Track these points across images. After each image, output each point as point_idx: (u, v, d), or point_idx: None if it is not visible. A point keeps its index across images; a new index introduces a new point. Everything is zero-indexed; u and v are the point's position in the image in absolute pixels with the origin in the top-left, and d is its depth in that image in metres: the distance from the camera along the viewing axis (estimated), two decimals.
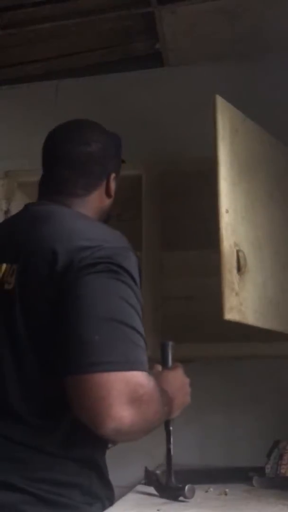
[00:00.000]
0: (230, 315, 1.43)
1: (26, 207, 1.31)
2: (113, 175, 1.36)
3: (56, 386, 1.03)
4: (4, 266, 1.15)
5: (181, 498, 1.35)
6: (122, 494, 1.55)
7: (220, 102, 1.58)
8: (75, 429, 1.07)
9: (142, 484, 1.66)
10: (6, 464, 1.07)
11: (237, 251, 1.51)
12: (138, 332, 1.04)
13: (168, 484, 1.40)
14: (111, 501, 1.23)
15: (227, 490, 1.52)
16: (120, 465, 2.04)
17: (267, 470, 1.63)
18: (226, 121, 1.59)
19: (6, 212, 2.02)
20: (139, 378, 1.00)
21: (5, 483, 1.05)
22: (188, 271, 2.05)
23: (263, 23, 2.13)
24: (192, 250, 1.95)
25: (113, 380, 0.97)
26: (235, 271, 1.49)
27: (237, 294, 1.47)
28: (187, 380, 1.32)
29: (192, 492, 1.36)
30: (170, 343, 1.39)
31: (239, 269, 1.50)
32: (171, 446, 1.38)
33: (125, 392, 0.98)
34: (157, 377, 1.23)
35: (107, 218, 1.38)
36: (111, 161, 1.37)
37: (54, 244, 1.09)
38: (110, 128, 2.39)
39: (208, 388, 2.06)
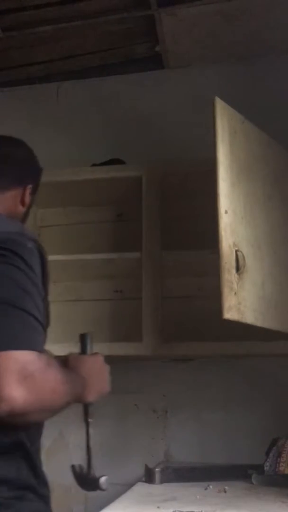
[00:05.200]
0: (229, 314, 1.44)
1: None
2: (29, 187, 1.39)
3: None
4: None
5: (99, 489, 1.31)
6: (123, 492, 1.57)
7: (220, 104, 1.60)
8: None
9: (142, 482, 1.67)
10: None
11: (236, 251, 1.52)
12: (29, 313, 1.03)
13: (88, 476, 1.38)
14: (46, 495, 1.15)
15: (226, 487, 1.53)
16: (120, 463, 2.07)
17: (266, 468, 1.65)
18: (225, 123, 1.60)
19: None
20: (29, 356, 0.99)
21: None
22: (188, 271, 2.07)
23: (262, 25, 2.14)
24: (192, 250, 1.96)
25: (1, 358, 0.96)
26: (234, 271, 1.50)
27: (236, 293, 1.49)
28: (106, 367, 1.30)
29: (107, 483, 1.31)
30: (89, 334, 1.38)
31: (238, 269, 1.51)
32: (90, 438, 1.36)
33: (13, 371, 0.96)
34: (73, 360, 1.25)
35: None
36: (30, 174, 1.42)
37: None
38: (111, 129, 2.42)
39: (207, 386, 2.08)
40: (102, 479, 1.30)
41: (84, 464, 1.32)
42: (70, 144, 2.38)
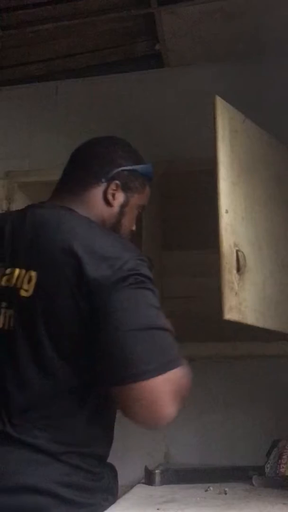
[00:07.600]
0: (229, 315, 1.44)
1: (28, 209, 1.28)
2: (115, 183, 1.28)
3: (74, 392, 1.13)
4: (17, 271, 1.16)
5: None
6: (123, 493, 1.56)
7: (220, 103, 1.59)
8: (91, 428, 1.21)
9: (142, 483, 1.66)
10: (33, 469, 1.11)
11: (237, 251, 1.52)
12: (168, 330, 1.14)
13: None
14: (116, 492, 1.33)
15: (226, 489, 1.52)
16: (120, 465, 2.05)
17: (267, 469, 1.64)
18: (225, 122, 1.60)
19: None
20: (179, 373, 1.10)
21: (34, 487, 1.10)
22: (188, 271, 2.06)
23: (262, 24, 2.13)
24: (192, 250, 1.96)
25: (160, 383, 1.06)
26: (234, 271, 1.49)
27: (236, 294, 1.48)
28: None
29: None
30: None
31: (238, 269, 1.50)
32: None
33: (171, 391, 1.07)
34: None
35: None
36: (116, 170, 1.30)
37: (77, 254, 1.10)
38: (110, 128, 2.40)
39: (207, 387, 2.06)
40: None
41: None
42: (69, 143, 2.36)
